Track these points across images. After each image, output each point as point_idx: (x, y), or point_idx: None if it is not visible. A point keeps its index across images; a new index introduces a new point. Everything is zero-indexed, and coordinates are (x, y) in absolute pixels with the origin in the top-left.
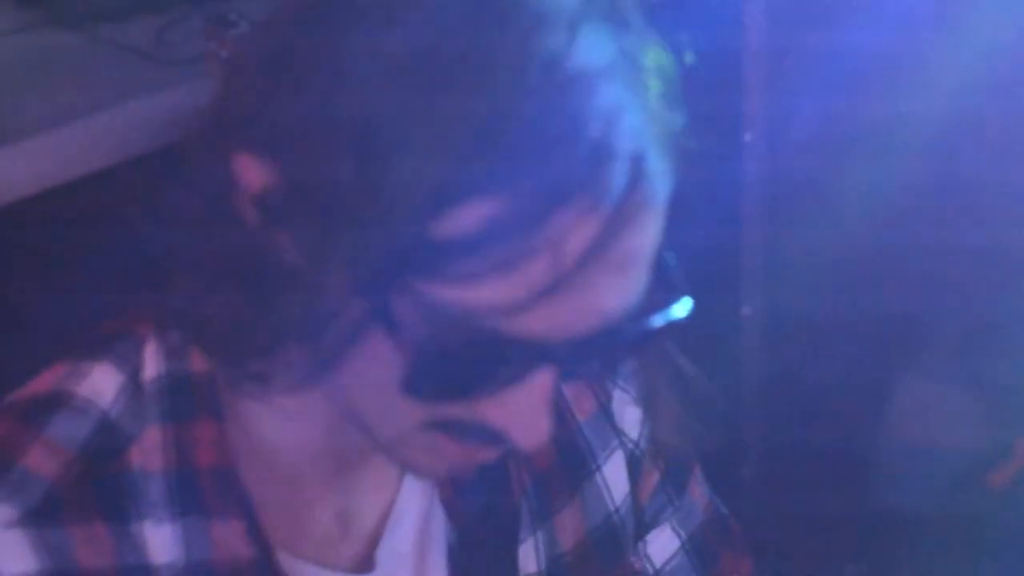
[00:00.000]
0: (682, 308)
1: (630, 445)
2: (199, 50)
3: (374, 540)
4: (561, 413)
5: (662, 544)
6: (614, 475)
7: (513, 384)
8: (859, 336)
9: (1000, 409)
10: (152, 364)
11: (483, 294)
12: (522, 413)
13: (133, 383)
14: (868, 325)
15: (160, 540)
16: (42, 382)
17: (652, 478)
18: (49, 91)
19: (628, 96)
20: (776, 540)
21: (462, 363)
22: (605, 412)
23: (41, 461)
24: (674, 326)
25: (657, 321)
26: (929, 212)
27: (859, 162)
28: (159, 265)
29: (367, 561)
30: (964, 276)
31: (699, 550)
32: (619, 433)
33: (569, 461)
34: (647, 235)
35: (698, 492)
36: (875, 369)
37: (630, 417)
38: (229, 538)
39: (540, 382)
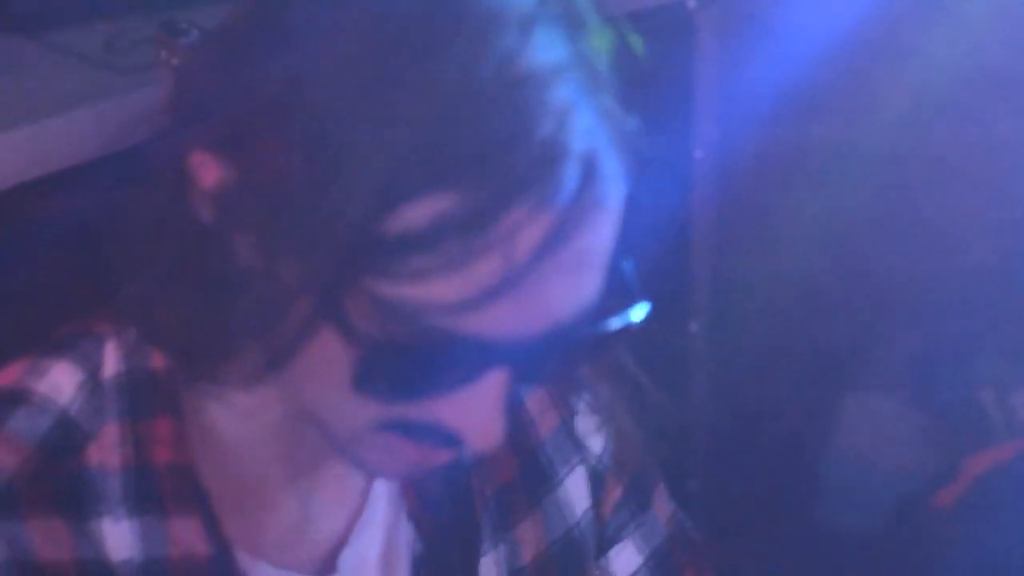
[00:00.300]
0: (637, 313)
1: (592, 460)
2: (149, 57)
3: (337, 546)
4: (524, 427)
5: (625, 560)
6: (575, 490)
7: (465, 385)
8: (807, 353)
9: (947, 429)
10: (112, 362)
11: (433, 291)
12: (474, 414)
13: (92, 381)
14: (816, 342)
15: (118, 537)
16: (1, 379)
17: (615, 493)
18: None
19: (581, 96)
20: (721, 555)
21: (413, 362)
22: (568, 427)
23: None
24: (628, 332)
25: (611, 326)
26: (879, 231)
27: (810, 178)
28: (116, 265)
29: (328, 565)
30: (912, 295)
31: (662, 566)
32: (581, 448)
33: (531, 475)
34: (600, 236)
35: (662, 507)
36: (822, 386)
37: (593, 433)
38: (187, 535)
39: (492, 383)
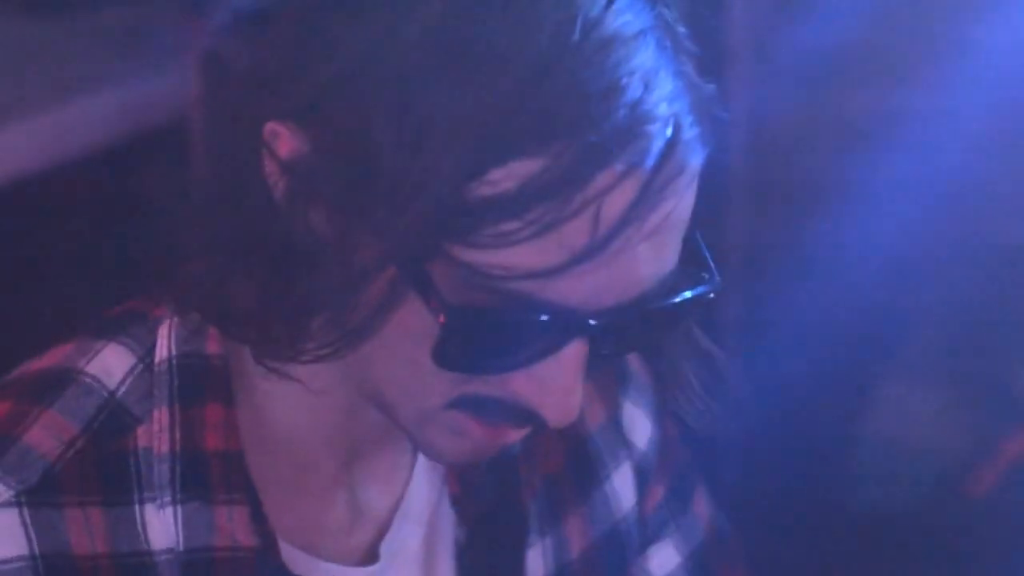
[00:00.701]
0: (710, 286)
1: (637, 457)
2: (176, 39)
3: (379, 535)
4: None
5: (663, 560)
6: (622, 484)
7: (546, 356)
8: (840, 333)
9: (980, 412)
10: (164, 346)
11: (521, 257)
12: (553, 387)
13: (143, 364)
14: (850, 322)
15: (161, 524)
16: (50, 358)
17: (657, 492)
18: (22, 79)
19: (663, 61)
20: (753, 541)
21: (496, 332)
22: (615, 422)
23: (42, 438)
24: (698, 304)
25: (686, 298)
26: (916, 209)
27: (843, 157)
28: (175, 243)
29: (371, 555)
30: (950, 274)
31: (700, 568)
32: (628, 444)
33: (579, 467)
34: (682, 203)
35: (702, 508)
36: (854, 370)
37: (639, 429)
38: (233, 525)
39: (571, 356)
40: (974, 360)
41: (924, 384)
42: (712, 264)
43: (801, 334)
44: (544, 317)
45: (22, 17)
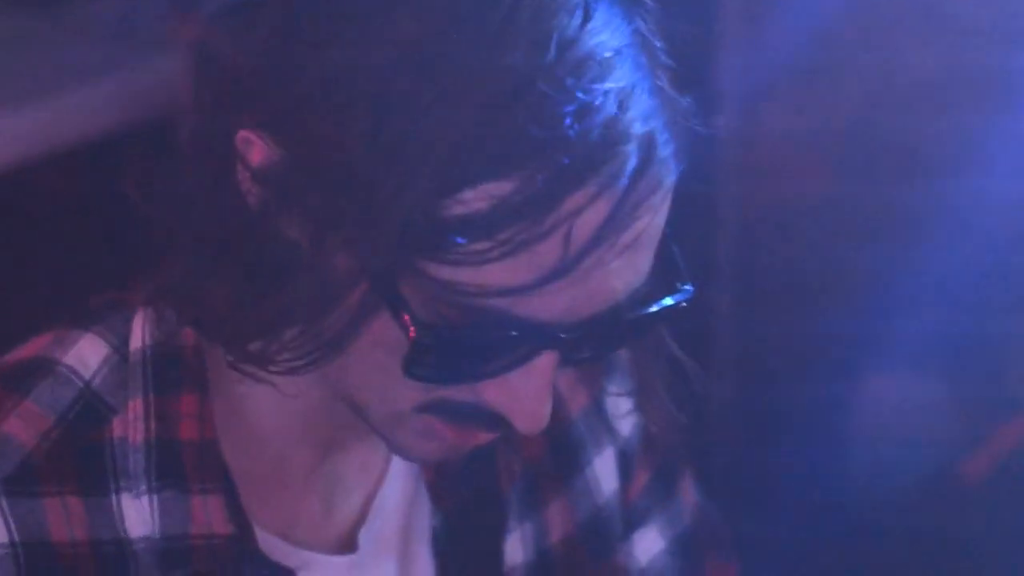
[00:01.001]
0: (683, 294)
1: (621, 442)
2: (164, 31)
3: (357, 523)
4: (554, 405)
5: (647, 545)
6: (604, 470)
7: (515, 368)
8: (832, 329)
9: (972, 403)
10: (140, 336)
11: (492, 276)
12: (523, 397)
13: (118, 354)
14: (842, 318)
15: (137, 513)
16: (27, 349)
17: (642, 477)
18: (13, 72)
19: (640, 78)
20: (744, 532)
21: (466, 346)
22: (598, 407)
23: (20, 428)
24: (671, 313)
25: (658, 307)
26: (906, 207)
27: (835, 173)
28: (152, 241)
29: (349, 543)
30: (937, 272)
31: (684, 553)
32: (611, 429)
33: (560, 453)
34: (656, 218)
35: (688, 495)
36: (847, 362)
37: (624, 414)
38: (208, 513)
39: (541, 365)
40: (967, 351)
41: (916, 379)
42: (685, 271)
43: (797, 333)
44: (515, 333)
45: (14, 10)
